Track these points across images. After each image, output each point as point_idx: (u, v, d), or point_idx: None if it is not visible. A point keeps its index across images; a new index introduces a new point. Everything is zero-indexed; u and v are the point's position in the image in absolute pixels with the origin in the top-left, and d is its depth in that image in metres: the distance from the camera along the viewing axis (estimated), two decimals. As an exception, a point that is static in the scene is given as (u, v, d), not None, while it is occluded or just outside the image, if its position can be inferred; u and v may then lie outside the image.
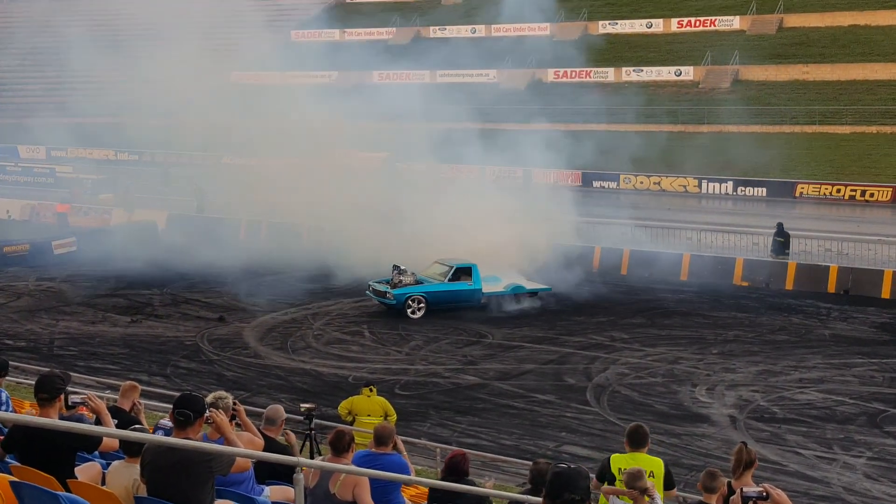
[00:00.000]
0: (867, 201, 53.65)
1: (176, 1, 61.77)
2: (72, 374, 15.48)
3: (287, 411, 20.88)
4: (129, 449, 8.70)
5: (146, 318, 33.01)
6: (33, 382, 9.72)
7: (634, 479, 9.77)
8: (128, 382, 12.03)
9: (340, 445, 9.80)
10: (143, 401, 11.71)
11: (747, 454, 9.93)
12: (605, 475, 10.61)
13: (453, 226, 36.45)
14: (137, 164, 65.81)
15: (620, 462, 10.56)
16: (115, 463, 8.86)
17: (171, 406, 8.69)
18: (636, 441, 10.84)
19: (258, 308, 33.66)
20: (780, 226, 38.44)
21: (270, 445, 10.95)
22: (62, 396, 8.93)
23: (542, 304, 34.18)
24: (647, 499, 9.72)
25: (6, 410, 11.30)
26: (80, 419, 9.78)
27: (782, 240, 37.98)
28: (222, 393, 10.47)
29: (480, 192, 41.15)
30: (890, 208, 52.15)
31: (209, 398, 10.07)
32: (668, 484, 10.89)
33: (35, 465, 8.32)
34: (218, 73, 72.46)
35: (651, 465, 10.73)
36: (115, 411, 10.78)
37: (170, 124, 57.41)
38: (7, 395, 11.77)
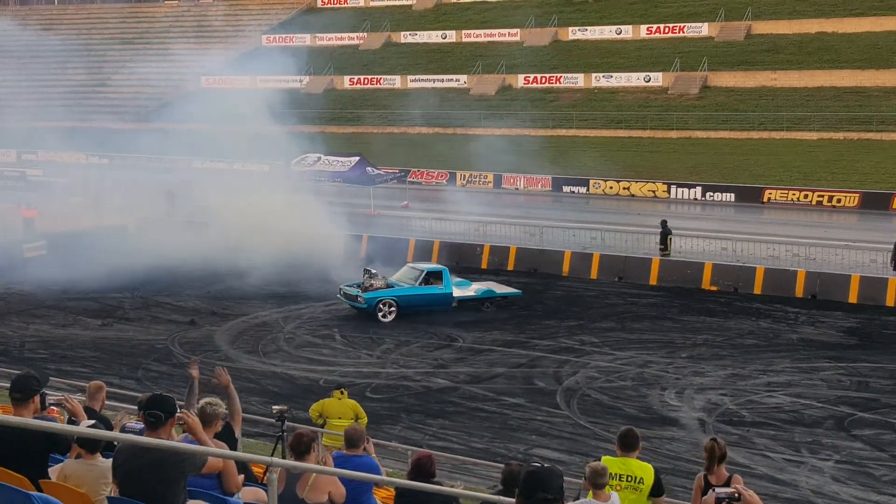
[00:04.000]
0: (834, 207, 54.00)
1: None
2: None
3: (259, 413, 20.95)
4: (87, 445, 8.56)
5: (117, 321, 32.88)
6: (2, 385, 9.68)
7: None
8: (94, 382, 12.02)
9: (300, 447, 9.77)
10: (114, 403, 11.69)
11: (719, 448, 10.01)
12: None
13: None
14: (109, 168, 65.29)
15: (611, 465, 10.20)
16: (72, 463, 8.64)
17: (138, 408, 8.58)
18: (626, 444, 10.50)
19: (229, 312, 33.63)
20: (663, 223, 39.47)
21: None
22: (37, 398, 8.89)
23: (512, 309, 34.26)
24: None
25: None
26: (51, 421, 9.74)
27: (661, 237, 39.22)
28: (214, 400, 10.39)
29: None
30: (857, 214, 52.52)
31: (200, 403, 10.07)
32: (657, 490, 10.52)
33: (7, 465, 8.29)
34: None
35: (641, 470, 10.45)
36: (88, 412, 10.78)
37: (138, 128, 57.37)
38: None
